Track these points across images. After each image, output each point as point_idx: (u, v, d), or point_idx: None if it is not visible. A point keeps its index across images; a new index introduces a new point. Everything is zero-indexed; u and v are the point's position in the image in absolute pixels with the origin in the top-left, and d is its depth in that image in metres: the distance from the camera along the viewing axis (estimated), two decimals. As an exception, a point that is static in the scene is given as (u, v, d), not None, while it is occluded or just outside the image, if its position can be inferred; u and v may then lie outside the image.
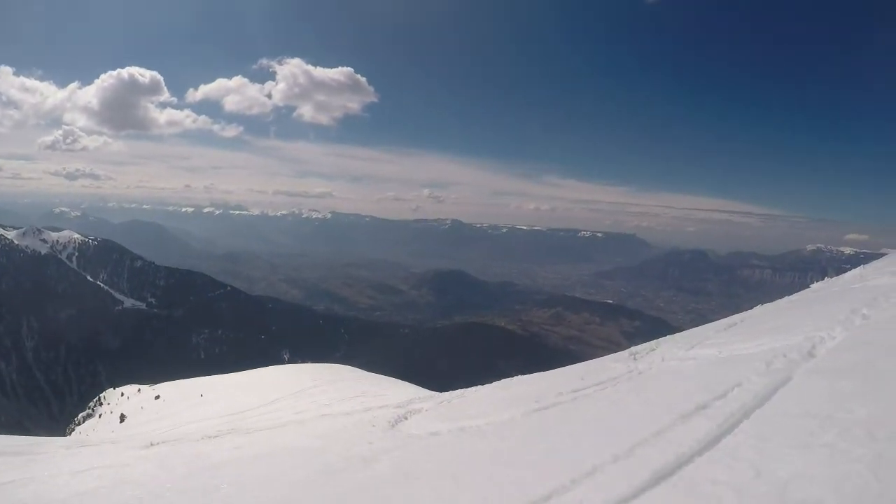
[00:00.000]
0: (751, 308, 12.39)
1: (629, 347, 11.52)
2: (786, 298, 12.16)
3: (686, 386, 6.44)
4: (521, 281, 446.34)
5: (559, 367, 13.16)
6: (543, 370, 13.09)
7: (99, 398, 50.98)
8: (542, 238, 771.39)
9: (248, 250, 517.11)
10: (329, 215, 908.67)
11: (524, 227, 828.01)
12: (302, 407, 20.80)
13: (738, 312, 12.15)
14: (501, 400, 10.01)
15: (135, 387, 47.30)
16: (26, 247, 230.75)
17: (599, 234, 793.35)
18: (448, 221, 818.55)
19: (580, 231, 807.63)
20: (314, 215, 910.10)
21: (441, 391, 17.50)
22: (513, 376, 13.33)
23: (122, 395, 46.13)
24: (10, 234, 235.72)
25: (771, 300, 12.61)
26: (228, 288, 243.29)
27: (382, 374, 35.36)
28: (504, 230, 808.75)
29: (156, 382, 46.35)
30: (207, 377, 42.62)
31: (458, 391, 13.62)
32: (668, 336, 11.77)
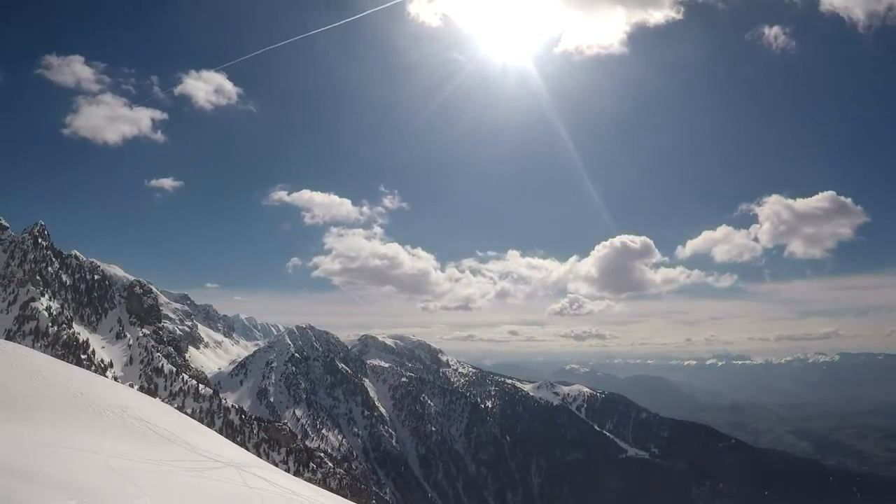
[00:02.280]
0: None
1: None
2: None
3: None
4: None
5: None
6: None
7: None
8: None
9: (753, 401, 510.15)
10: (837, 357, 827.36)
11: None
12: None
13: None
14: None
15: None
16: (540, 398, 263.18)
17: None
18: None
19: None
20: (820, 358, 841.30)
21: None
22: None
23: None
24: (527, 387, 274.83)
25: None
26: (733, 441, 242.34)
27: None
28: None
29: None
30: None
31: None
32: None
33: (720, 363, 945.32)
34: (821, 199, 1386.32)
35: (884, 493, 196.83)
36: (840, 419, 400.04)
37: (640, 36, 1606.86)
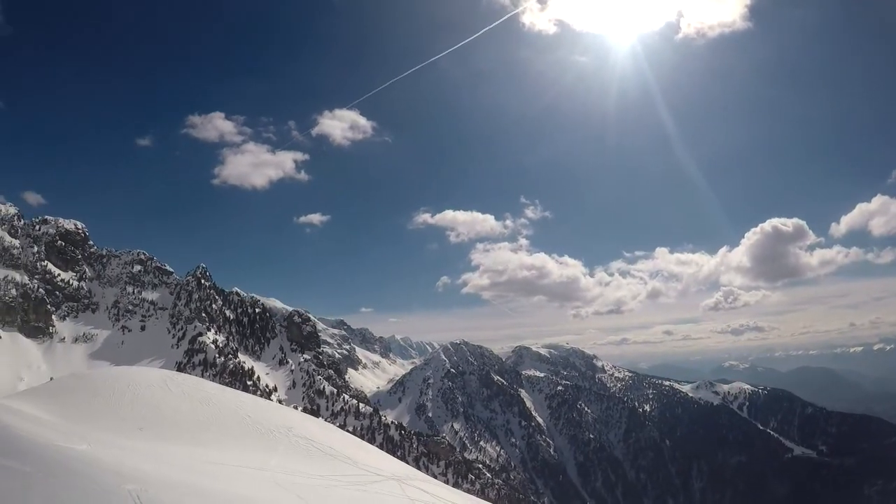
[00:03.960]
0: None
1: None
2: None
3: None
4: None
5: None
6: None
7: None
8: None
9: None
10: None
11: None
12: None
13: None
14: None
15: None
16: (699, 399, 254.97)
17: None
18: None
19: None
20: None
21: None
22: None
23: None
24: (685, 388, 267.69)
25: None
26: None
27: None
28: None
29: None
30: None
31: None
32: None
33: (888, 347, 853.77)
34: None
35: None
36: None
37: (762, 5, 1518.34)
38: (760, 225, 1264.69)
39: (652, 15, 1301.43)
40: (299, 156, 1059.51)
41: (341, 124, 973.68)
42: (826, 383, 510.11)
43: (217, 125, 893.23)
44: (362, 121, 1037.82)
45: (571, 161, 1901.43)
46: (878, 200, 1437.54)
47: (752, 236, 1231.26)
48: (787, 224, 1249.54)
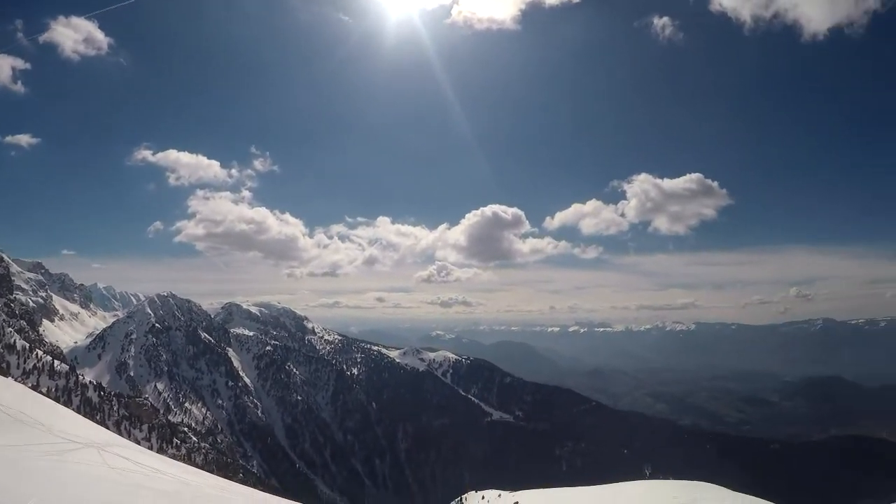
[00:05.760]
0: None
1: None
2: None
3: None
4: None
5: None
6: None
7: (461, 499, 57.24)
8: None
9: (613, 366, 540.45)
10: (693, 326, 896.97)
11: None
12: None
13: None
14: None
15: (495, 492, 51.79)
16: (406, 364, 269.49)
17: None
18: (819, 321, 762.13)
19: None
20: (678, 327, 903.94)
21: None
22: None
23: (483, 498, 51.04)
24: (393, 354, 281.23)
25: None
26: (593, 403, 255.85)
27: (750, 493, 34.85)
28: (882, 324, 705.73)
29: (516, 489, 49.46)
30: (568, 488, 44.20)
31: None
32: None
33: (582, 330, 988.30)
34: (688, 181, 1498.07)
35: (733, 449, 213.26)
36: (695, 384, 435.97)
37: (534, 14, 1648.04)
38: (482, 208, 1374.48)
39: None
40: (20, 63, 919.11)
41: (75, 35, 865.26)
42: (525, 357, 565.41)
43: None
44: (100, 35, 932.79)
45: (313, 118, 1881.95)
46: (593, 204, 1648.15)
47: (472, 217, 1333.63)
48: (506, 211, 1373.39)
